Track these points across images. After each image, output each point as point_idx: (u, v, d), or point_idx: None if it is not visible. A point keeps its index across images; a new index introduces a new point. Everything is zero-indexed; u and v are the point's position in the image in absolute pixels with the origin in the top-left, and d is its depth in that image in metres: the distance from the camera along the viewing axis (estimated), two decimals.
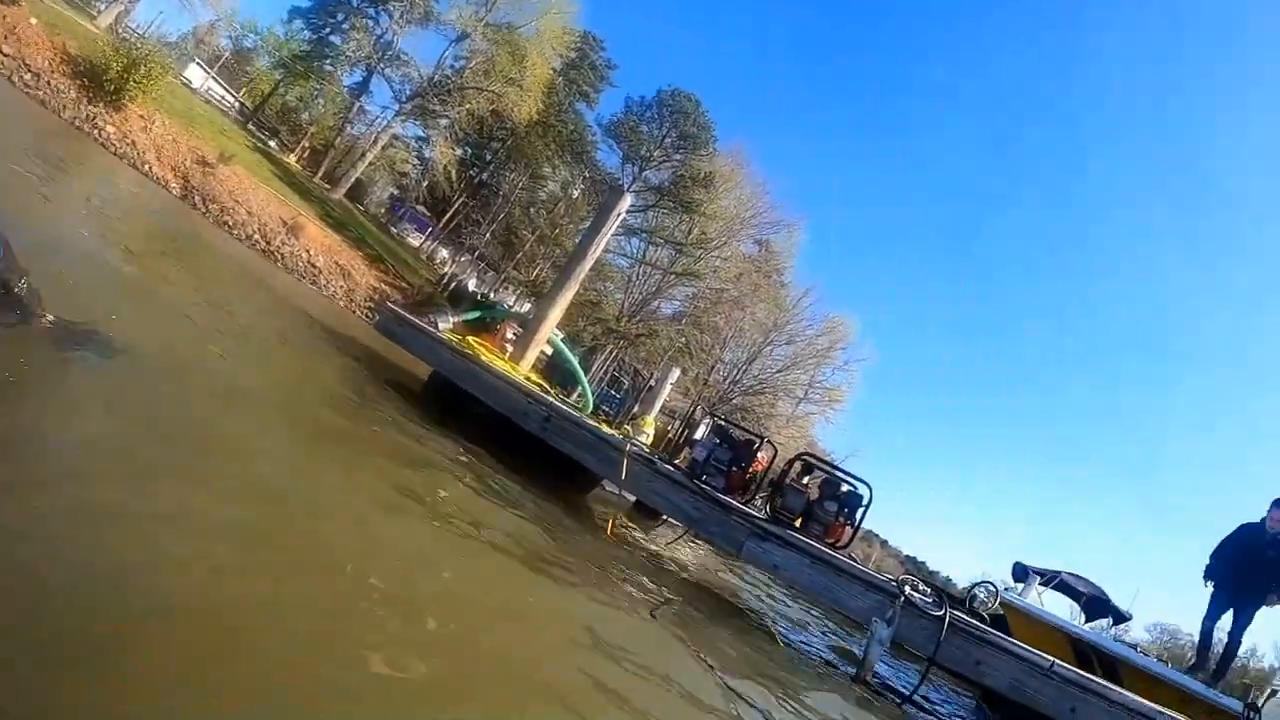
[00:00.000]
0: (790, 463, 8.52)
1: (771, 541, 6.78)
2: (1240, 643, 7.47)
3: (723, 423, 10.01)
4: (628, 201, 12.28)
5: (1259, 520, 7.23)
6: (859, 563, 7.09)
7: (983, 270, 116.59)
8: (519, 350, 10.79)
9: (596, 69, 38.67)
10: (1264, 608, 7.25)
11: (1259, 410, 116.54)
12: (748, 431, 9.60)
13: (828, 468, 8.34)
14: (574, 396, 13.49)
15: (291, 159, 32.50)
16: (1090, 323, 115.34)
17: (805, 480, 8.38)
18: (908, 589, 6.18)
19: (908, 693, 6.14)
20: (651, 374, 25.89)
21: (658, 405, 17.32)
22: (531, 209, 40.21)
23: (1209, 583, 7.37)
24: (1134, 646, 8.50)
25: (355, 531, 3.78)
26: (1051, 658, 5.75)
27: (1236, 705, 6.54)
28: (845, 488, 7.77)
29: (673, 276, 33.68)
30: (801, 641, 7.48)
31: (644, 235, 34.86)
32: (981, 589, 7.02)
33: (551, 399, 8.36)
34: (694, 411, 29.38)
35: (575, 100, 38.03)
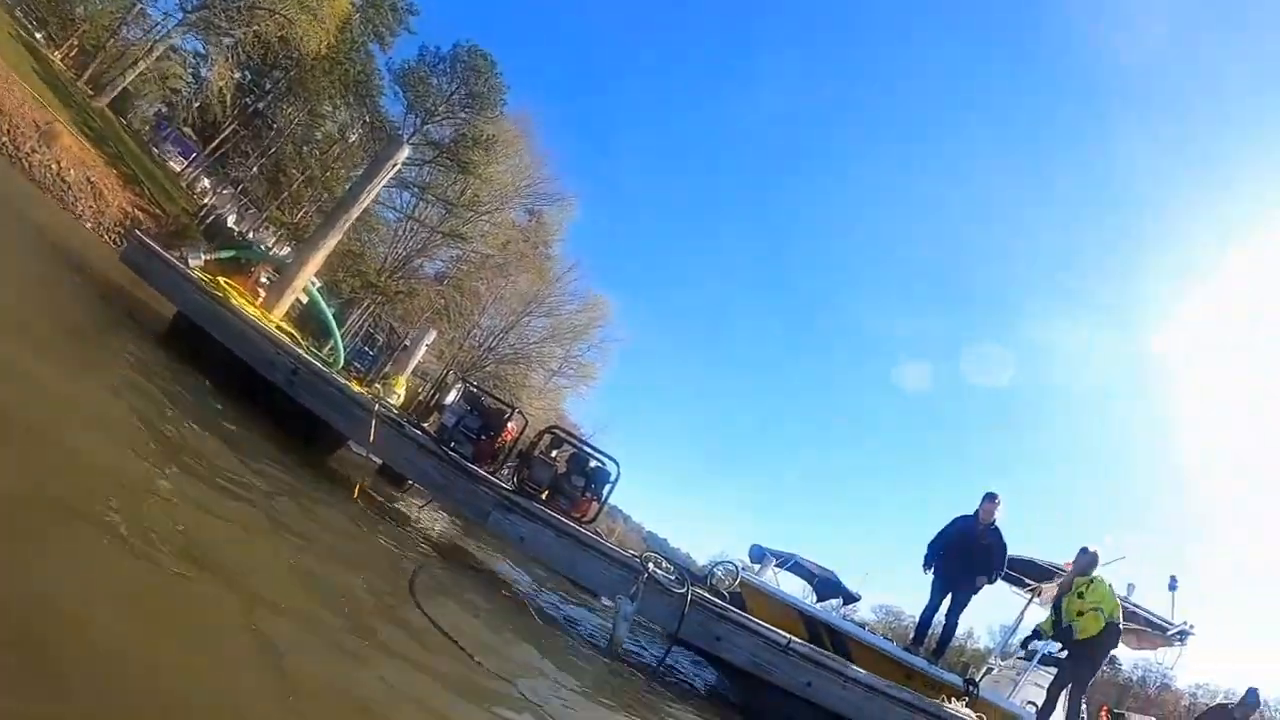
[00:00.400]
0: (540, 435, 8.15)
1: (517, 513, 6.50)
2: (957, 624, 7.84)
3: (475, 390, 9.49)
4: (405, 153, 11.77)
5: (972, 513, 7.68)
6: (603, 538, 6.84)
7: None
8: (273, 296, 10.04)
9: (397, 11, 35.43)
10: (979, 591, 7.68)
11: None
12: (500, 401, 9.24)
13: (577, 442, 8.08)
14: (325, 350, 12.57)
15: (56, 56, 26.86)
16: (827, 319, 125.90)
17: (554, 453, 8.16)
18: (651, 566, 5.97)
19: (654, 665, 6.05)
20: (407, 333, 24.64)
21: (411, 366, 16.69)
22: (305, 148, 36.03)
23: (928, 571, 7.73)
24: (862, 625, 9.02)
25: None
26: (788, 635, 5.79)
27: (958, 680, 7.00)
28: (593, 463, 7.58)
29: (440, 236, 31.98)
30: (555, 614, 7.16)
31: (416, 190, 32.75)
32: (720, 568, 7.00)
33: (301, 351, 7.62)
34: (446, 375, 28.33)
35: (369, 40, 34.72)
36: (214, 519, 3.62)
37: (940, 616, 7.89)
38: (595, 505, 7.32)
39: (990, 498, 7.74)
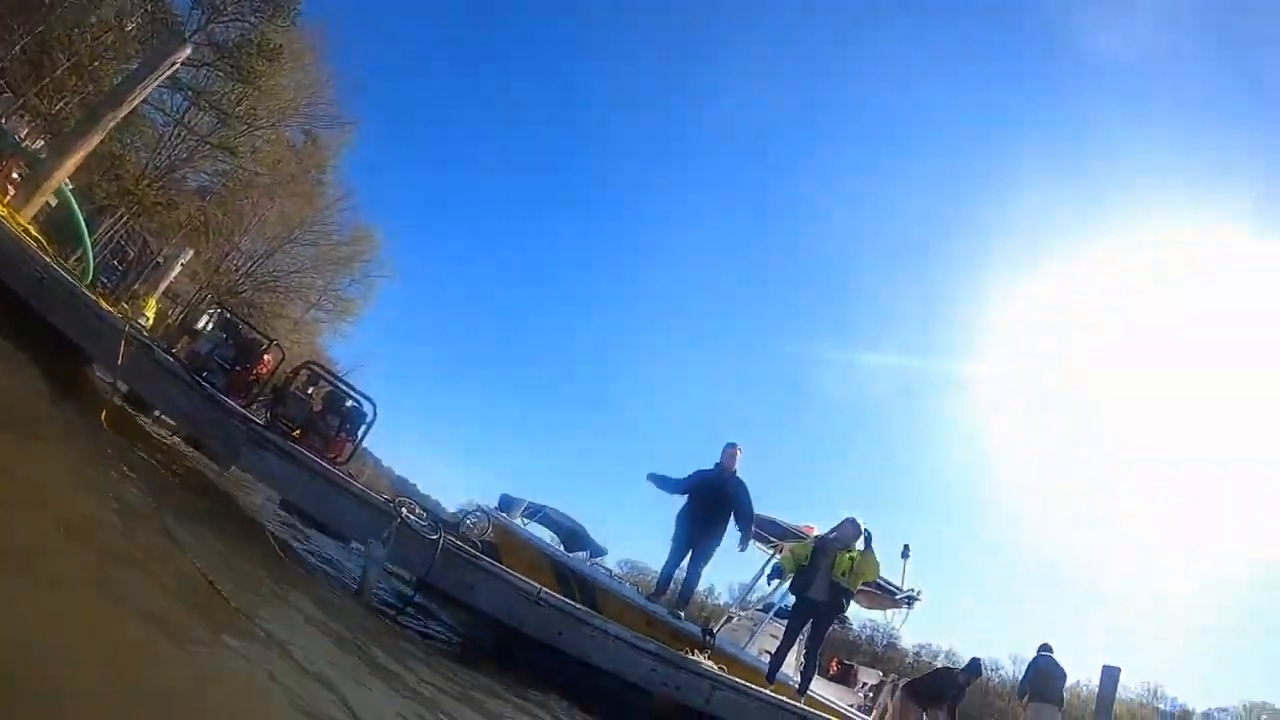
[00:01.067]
0: (296, 370, 7.54)
1: (270, 450, 6.02)
2: (699, 576, 7.73)
3: (232, 317, 8.63)
4: (186, 52, 10.82)
5: (713, 465, 7.61)
6: (356, 480, 6.44)
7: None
8: (22, 195, 9.06)
9: None
10: (719, 547, 7.60)
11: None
12: (257, 331, 8.43)
13: (335, 380, 7.57)
14: (73, 260, 11.16)
15: None
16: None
17: (310, 390, 7.62)
18: (405, 511, 5.66)
19: (400, 606, 5.92)
20: (161, 249, 22.07)
21: (163, 286, 15.00)
22: (76, 30, 30.36)
23: (675, 491, 7.55)
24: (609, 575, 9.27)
25: None
26: (540, 585, 5.71)
27: (697, 631, 7.31)
28: (350, 403, 7.13)
29: (209, 147, 28.46)
30: (309, 556, 6.80)
31: (189, 94, 28.83)
32: (473, 516, 6.83)
33: (48, 259, 6.71)
34: (200, 299, 25.83)
35: None
36: None
37: (683, 573, 7.81)
38: (350, 446, 6.90)
39: (732, 446, 7.71)
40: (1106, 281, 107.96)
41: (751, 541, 7.91)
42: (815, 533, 8.03)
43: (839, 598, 7.16)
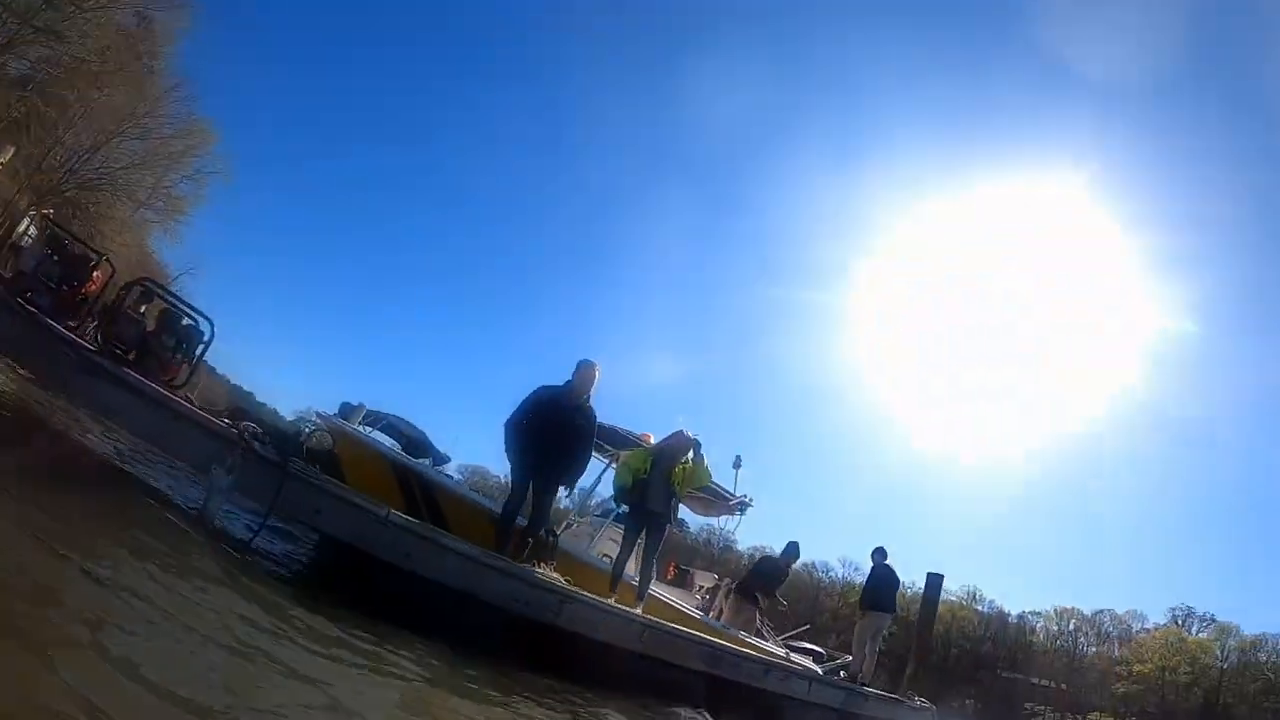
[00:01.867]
0: (128, 286, 6.97)
1: (102, 378, 5.65)
2: (547, 514, 6.97)
3: (58, 230, 7.92)
4: None
5: (563, 383, 6.73)
6: (195, 404, 6.17)
7: None
8: None
9: None
10: (567, 481, 7.12)
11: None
12: (86, 245, 7.77)
13: (170, 297, 7.11)
14: None
15: None
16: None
17: (143, 309, 7.10)
18: (248, 436, 5.48)
19: (248, 539, 5.67)
20: None
21: None
22: None
23: (509, 453, 6.71)
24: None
25: None
26: (388, 507, 5.69)
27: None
28: (186, 321, 6.71)
29: (31, 30, 25.33)
30: (150, 485, 6.48)
31: None
32: (316, 430, 6.63)
33: None
34: (19, 200, 23.41)
35: None
36: None
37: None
38: (187, 368, 6.56)
39: (588, 364, 6.74)
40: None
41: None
42: (652, 440, 8.24)
43: (673, 506, 7.53)
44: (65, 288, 7.28)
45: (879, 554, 10.92)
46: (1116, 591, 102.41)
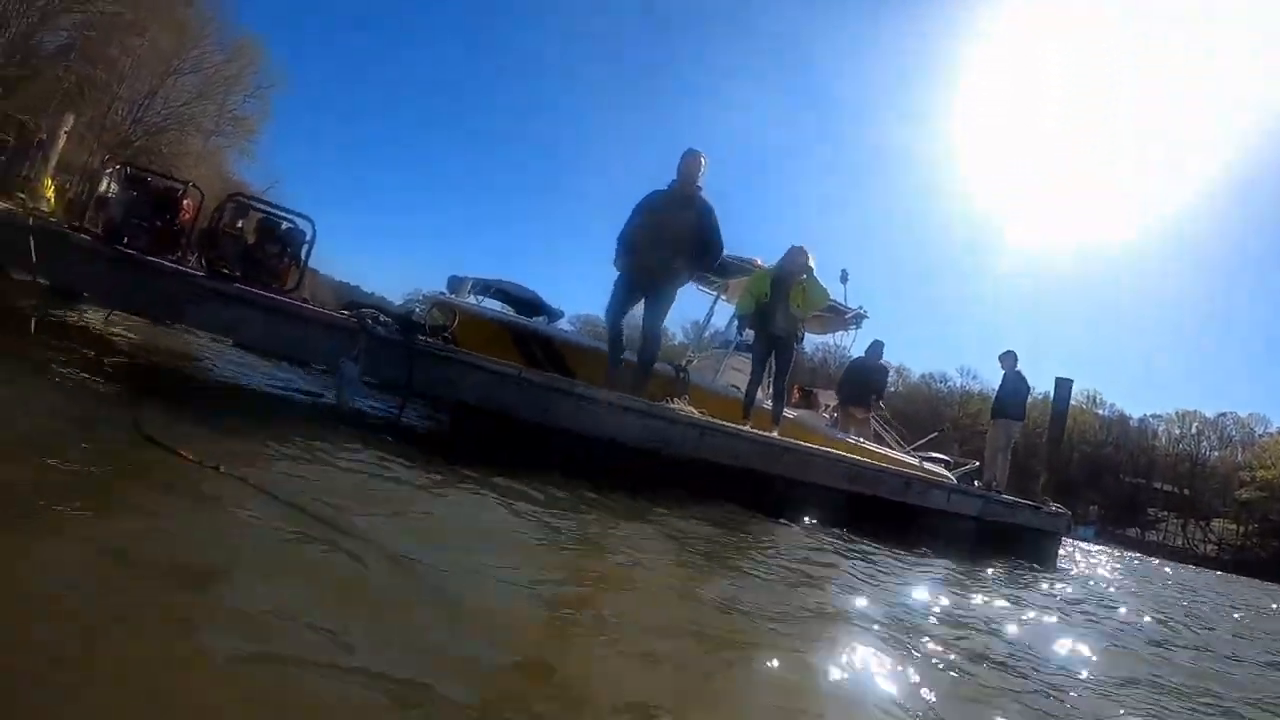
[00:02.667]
0: (221, 206, 6.99)
1: (215, 300, 5.63)
2: (659, 332, 6.62)
3: (136, 171, 7.96)
4: None
5: (667, 185, 6.34)
6: (310, 303, 6.28)
7: None
8: None
9: None
10: (686, 281, 6.70)
11: None
12: (167, 177, 7.78)
13: (264, 206, 7.10)
14: None
15: None
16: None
17: (240, 224, 7.12)
18: (370, 322, 5.54)
19: (395, 418, 5.78)
20: (40, 125, 20.29)
21: (53, 162, 13.85)
22: None
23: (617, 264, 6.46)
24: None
25: None
26: (518, 365, 5.74)
27: (668, 367, 7.46)
28: (285, 225, 6.70)
29: (59, 2, 25.48)
30: (275, 393, 6.65)
31: None
32: (421, 303, 6.67)
33: None
34: (94, 161, 24.16)
35: None
36: None
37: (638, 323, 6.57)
38: (296, 271, 6.60)
39: (693, 153, 6.23)
40: None
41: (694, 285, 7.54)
42: (760, 264, 8.01)
43: (796, 328, 7.39)
44: (159, 224, 7.21)
45: (1009, 359, 10.55)
46: (1240, 394, 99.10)
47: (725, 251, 6.58)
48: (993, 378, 11.36)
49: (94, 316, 7.87)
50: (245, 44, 34.72)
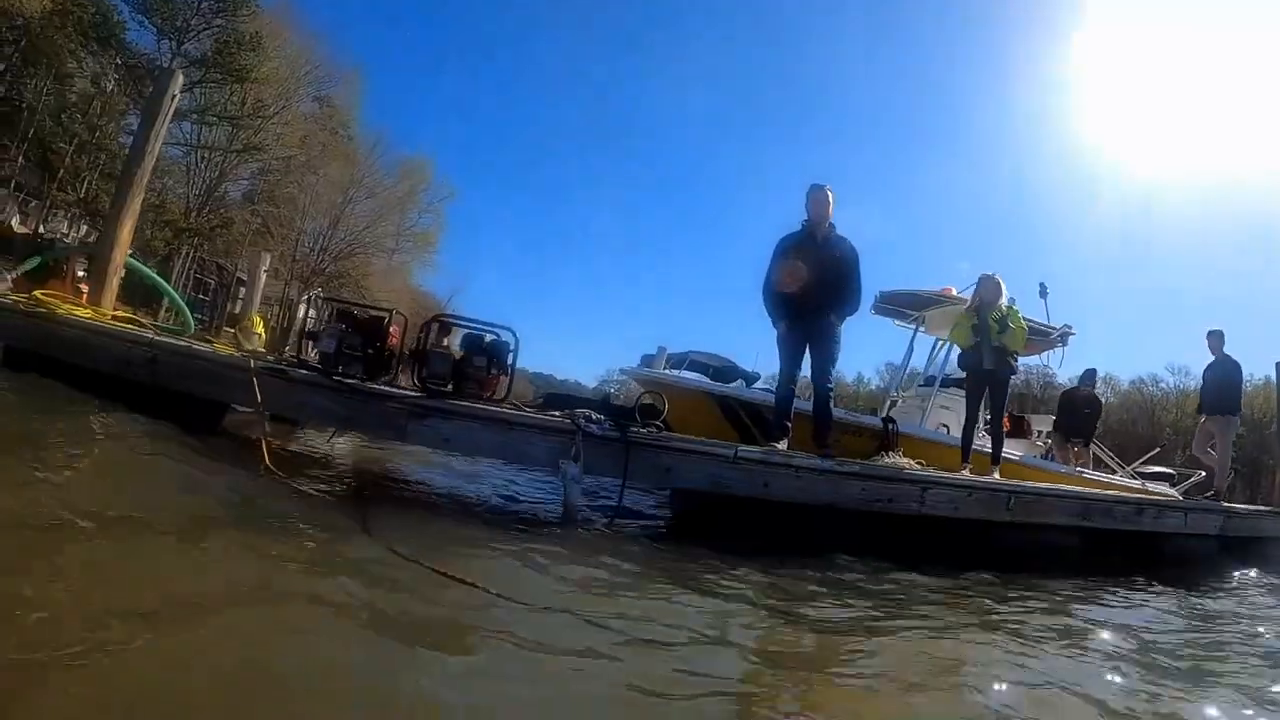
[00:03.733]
0: (425, 328, 7.57)
1: (434, 416, 6.04)
2: (829, 386, 6.33)
3: (343, 304, 8.77)
4: (179, 80, 10.10)
5: (799, 225, 6.09)
6: (520, 409, 6.59)
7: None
8: (96, 287, 8.64)
9: None
10: (842, 321, 6.12)
11: None
12: (372, 307, 8.51)
13: (465, 322, 7.58)
14: (165, 316, 11.49)
15: None
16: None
17: (445, 341, 7.60)
18: (582, 421, 5.76)
19: (613, 510, 5.85)
20: (237, 266, 22.89)
21: (257, 299, 15.44)
22: (64, 115, 30.98)
23: (778, 324, 6.12)
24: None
25: None
26: (735, 445, 5.76)
27: (875, 421, 7.29)
28: (489, 338, 7.11)
29: (235, 155, 29.18)
30: (501, 506, 6.88)
31: (193, 116, 29.32)
32: (618, 383, 6.83)
33: (151, 335, 6.58)
34: (290, 291, 26.88)
35: None
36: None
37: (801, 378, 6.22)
38: (504, 380, 6.99)
39: (818, 188, 5.96)
40: None
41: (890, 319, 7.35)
42: (954, 292, 7.70)
43: (1007, 359, 7.03)
44: (370, 352, 7.89)
45: (1215, 339, 8.97)
46: None
47: (912, 288, 6.36)
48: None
49: (317, 439, 8.64)
50: (413, 164, 37.96)
